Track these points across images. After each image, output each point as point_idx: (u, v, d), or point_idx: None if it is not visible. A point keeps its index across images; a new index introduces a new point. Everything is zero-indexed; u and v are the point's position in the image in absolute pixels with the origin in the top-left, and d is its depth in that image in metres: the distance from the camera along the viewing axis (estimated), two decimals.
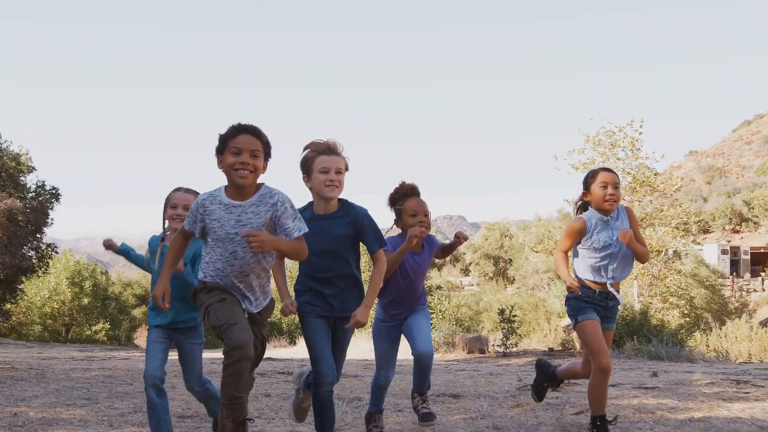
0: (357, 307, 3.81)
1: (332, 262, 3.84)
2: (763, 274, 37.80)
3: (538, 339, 24.61)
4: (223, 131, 3.53)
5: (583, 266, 4.39)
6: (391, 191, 4.36)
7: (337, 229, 3.84)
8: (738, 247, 42.61)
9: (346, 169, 3.87)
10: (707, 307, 32.39)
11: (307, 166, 3.85)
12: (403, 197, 4.26)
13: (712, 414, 5.01)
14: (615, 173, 4.40)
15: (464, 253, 61.00)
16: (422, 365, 4.15)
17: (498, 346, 16.65)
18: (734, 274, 39.07)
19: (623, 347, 12.94)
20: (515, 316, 16.82)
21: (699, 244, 37.00)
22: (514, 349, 16.59)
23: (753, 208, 51.39)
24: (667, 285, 29.59)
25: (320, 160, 3.79)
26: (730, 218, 51.36)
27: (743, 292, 35.33)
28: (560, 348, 17.97)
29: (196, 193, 4.35)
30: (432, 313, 20.29)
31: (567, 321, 31.40)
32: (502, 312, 16.52)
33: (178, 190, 4.41)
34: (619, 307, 4.49)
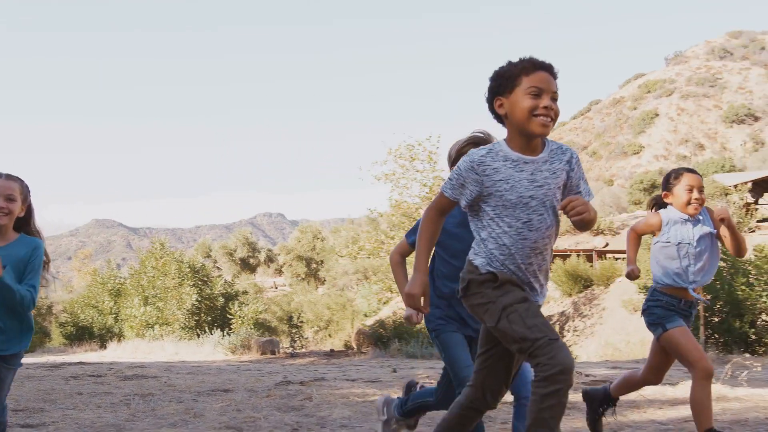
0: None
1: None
2: None
3: (341, 338, 27.07)
4: (504, 65, 2.80)
5: (662, 270, 4.00)
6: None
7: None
8: None
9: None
10: None
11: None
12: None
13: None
14: (700, 175, 4.03)
15: (278, 254, 63.40)
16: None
17: (286, 348, 19.11)
18: None
19: (389, 348, 15.58)
20: (302, 321, 19.31)
21: None
22: (301, 351, 19.10)
23: None
24: None
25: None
26: None
27: None
28: (342, 349, 20.55)
29: (18, 180, 3.51)
30: (231, 319, 22.21)
31: (371, 320, 33.98)
32: (290, 318, 18.96)
33: None
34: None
